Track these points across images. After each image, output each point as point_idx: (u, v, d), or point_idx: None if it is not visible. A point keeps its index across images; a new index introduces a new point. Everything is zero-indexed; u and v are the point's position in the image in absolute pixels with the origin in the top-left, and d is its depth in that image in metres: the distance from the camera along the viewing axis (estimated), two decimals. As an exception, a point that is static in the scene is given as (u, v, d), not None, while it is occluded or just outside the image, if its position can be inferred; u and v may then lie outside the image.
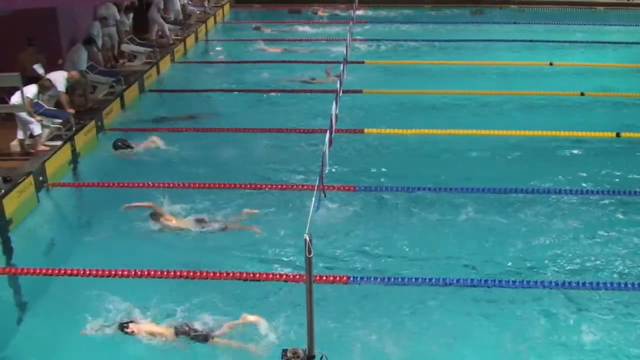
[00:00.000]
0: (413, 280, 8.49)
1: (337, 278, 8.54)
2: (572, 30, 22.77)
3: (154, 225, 9.67)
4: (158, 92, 16.68)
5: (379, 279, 8.53)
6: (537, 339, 7.53)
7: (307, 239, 5.58)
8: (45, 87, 12.11)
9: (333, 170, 11.00)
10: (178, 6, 21.25)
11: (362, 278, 8.55)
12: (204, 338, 7.46)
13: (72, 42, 14.81)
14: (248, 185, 11.00)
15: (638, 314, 7.92)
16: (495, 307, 8.10)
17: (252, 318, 7.59)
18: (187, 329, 7.51)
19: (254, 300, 8.17)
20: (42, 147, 11.68)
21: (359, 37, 20.61)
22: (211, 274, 8.59)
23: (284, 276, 8.56)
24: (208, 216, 9.90)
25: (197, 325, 7.56)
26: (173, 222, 9.70)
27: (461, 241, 9.46)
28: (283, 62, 18.62)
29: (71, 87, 13.15)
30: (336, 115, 11.41)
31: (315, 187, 8.08)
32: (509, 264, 8.91)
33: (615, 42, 20.86)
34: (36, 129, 11.49)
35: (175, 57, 19.12)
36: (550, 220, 9.96)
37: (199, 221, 9.74)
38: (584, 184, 11.00)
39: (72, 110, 12.72)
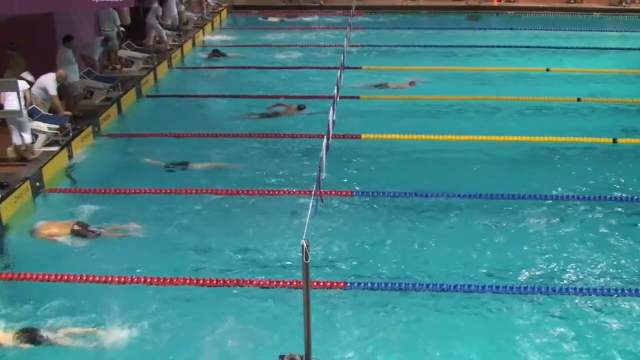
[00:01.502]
0: (410, 285, 8.48)
1: (335, 284, 8.53)
2: (568, 36, 22.81)
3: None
4: (155, 97, 16.69)
5: (376, 285, 8.52)
6: (531, 345, 7.51)
7: (305, 244, 5.57)
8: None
9: (330, 175, 10.98)
10: (175, 12, 21.26)
11: (359, 284, 8.55)
12: None
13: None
14: (245, 191, 11.00)
15: (631, 318, 7.92)
16: (493, 313, 8.08)
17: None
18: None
19: (251, 305, 8.17)
20: (36, 154, 11.67)
21: (355, 43, 20.62)
22: (208, 281, 8.57)
23: (282, 282, 8.55)
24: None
25: None
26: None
27: (458, 247, 9.45)
28: (281, 67, 18.65)
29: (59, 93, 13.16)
30: (333, 121, 11.41)
31: (312, 193, 8.07)
32: (507, 269, 8.90)
33: (611, 48, 20.94)
34: (27, 136, 11.47)
35: (173, 63, 19.13)
36: (546, 226, 9.96)
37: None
38: (580, 190, 10.99)
39: (68, 113, 12.72)
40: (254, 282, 8.56)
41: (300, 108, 14.87)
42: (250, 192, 11.01)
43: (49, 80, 12.50)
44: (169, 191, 10.98)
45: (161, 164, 12.08)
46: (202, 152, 12.67)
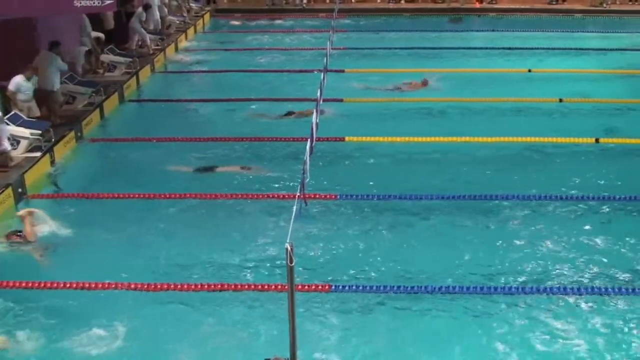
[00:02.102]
0: (395, 287, 8.49)
1: (320, 287, 8.52)
2: (550, 37, 22.94)
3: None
4: (138, 102, 16.63)
5: (361, 287, 8.52)
6: (517, 346, 7.54)
7: (289, 248, 5.57)
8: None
9: (314, 179, 10.99)
10: (158, 16, 21.18)
11: (344, 286, 8.54)
12: None
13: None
14: (229, 195, 10.97)
15: (617, 318, 7.97)
16: (479, 314, 8.11)
17: None
18: None
19: (237, 310, 8.15)
20: (16, 160, 11.59)
21: (339, 46, 20.64)
22: (193, 286, 8.53)
23: (266, 286, 8.53)
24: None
25: None
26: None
27: (443, 248, 9.48)
28: (264, 71, 18.64)
29: (39, 99, 13.07)
30: (317, 124, 11.43)
31: (297, 196, 8.08)
32: (492, 270, 8.93)
33: (592, 49, 21.06)
34: (5, 144, 11.37)
35: (156, 67, 19.06)
36: (529, 226, 10.02)
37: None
38: (563, 190, 11.04)
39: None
40: (238, 286, 8.53)
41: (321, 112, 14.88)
42: (234, 195, 10.98)
43: (22, 83, 12.46)
44: (152, 195, 10.93)
45: (190, 169, 12.06)
46: (185, 156, 12.63)
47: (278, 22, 26.32)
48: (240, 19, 26.30)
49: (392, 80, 17.40)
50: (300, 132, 12.61)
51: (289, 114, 14.81)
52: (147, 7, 19.86)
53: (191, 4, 25.52)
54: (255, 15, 27.23)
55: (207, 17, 26.09)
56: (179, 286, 8.52)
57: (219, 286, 8.52)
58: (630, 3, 28.64)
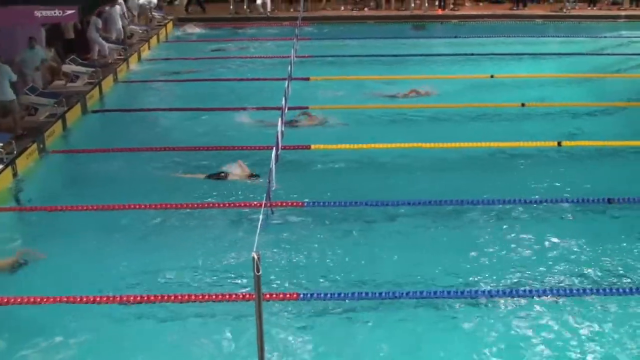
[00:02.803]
0: (363, 294, 8.50)
1: (287, 295, 8.50)
2: (511, 42, 23.22)
3: None
4: (101, 112, 16.48)
5: (329, 295, 8.51)
6: (487, 348, 7.60)
7: (256, 257, 5.57)
8: None
9: (280, 187, 10.97)
10: (120, 25, 21.03)
11: (312, 294, 8.53)
12: None
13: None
14: (195, 205, 10.91)
15: (586, 318, 8.07)
16: (446, 318, 8.15)
17: None
18: None
19: (202, 320, 8.09)
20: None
21: (303, 54, 20.68)
22: (160, 297, 8.45)
23: (234, 296, 8.48)
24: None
25: None
26: None
27: (409, 254, 9.51)
28: (228, 79, 18.59)
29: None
30: (282, 132, 11.43)
31: (263, 205, 8.07)
32: (458, 274, 8.98)
33: (553, 53, 21.39)
34: None
35: (119, 77, 18.91)
36: (494, 230, 10.11)
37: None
38: (527, 194, 11.15)
39: None
40: (205, 297, 8.47)
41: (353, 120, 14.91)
42: (199, 205, 10.91)
43: None
44: (115, 207, 10.81)
45: (201, 176, 11.95)
46: (149, 166, 12.52)
47: (242, 30, 26.30)
48: (198, 27, 26.22)
49: (358, 87, 17.49)
50: (266, 140, 12.56)
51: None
52: (100, 14, 19.67)
53: (154, 13, 25.39)
54: (219, 24, 27.17)
55: (169, 26, 25.97)
56: (145, 298, 8.43)
57: (186, 297, 8.44)
58: (589, 8, 29.15)
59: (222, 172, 11.90)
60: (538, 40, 23.77)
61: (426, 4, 28.51)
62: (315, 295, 8.52)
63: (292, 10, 28.46)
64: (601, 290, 8.51)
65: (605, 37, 24.48)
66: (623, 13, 28.58)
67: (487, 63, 20.10)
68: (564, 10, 28.44)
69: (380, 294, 8.51)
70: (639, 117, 15.60)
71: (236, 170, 11.92)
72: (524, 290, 8.53)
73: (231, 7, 28.24)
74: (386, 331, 7.93)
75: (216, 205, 10.89)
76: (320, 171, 12.32)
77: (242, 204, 10.83)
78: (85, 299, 8.39)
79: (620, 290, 8.53)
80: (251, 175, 11.80)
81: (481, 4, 29.98)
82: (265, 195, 9.06)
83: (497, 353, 7.50)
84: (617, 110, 15.96)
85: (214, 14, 28.42)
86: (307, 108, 15.53)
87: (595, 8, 29.19)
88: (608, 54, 21.81)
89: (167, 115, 15.88)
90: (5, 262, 9.27)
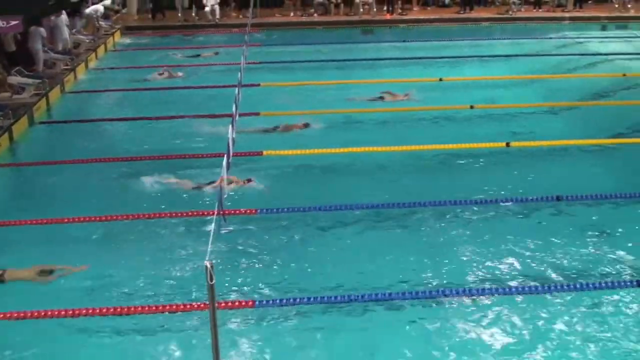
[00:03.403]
0: (319, 299, 8.49)
1: (243, 303, 8.44)
2: (459, 45, 23.57)
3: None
4: (49, 123, 16.20)
5: (284, 301, 8.49)
6: (447, 348, 7.65)
7: (208, 266, 5.52)
8: None
9: (232, 194, 10.91)
10: (66, 35, 20.74)
11: (268, 301, 8.49)
12: None
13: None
14: (146, 215, 10.76)
15: (535, 316, 8.18)
16: (405, 319, 8.17)
17: None
18: None
19: (156, 331, 7.99)
20: None
21: (253, 60, 20.65)
22: (112, 310, 8.32)
23: (188, 306, 8.39)
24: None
25: None
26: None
27: (364, 257, 9.53)
28: (178, 88, 18.46)
29: None
30: (233, 139, 11.37)
31: (215, 213, 8.00)
32: (416, 276, 9.02)
33: (501, 55, 21.75)
34: None
35: (66, 88, 18.62)
36: (447, 232, 10.20)
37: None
38: (478, 194, 11.28)
39: None
40: (159, 308, 8.35)
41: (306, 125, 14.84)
42: (150, 215, 10.76)
43: None
44: (65, 220, 10.59)
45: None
46: (99, 177, 12.35)
47: (191, 38, 26.16)
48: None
49: (308, 92, 17.53)
50: (217, 147, 12.49)
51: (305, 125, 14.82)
52: (43, 24, 19.32)
53: (100, 22, 25.09)
54: (168, 32, 27.00)
55: (117, 35, 25.69)
56: (96, 311, 8.29)
57: (139, 309, 8.32)
58: (535, 10, 29.75)
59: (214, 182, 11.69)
60: (485, 42, 24.18)
61: (374, 9, 28.77)
62: (271, 302, 8.47)
63: (241, 16, 28.43)
64: (553, 287, 8.65)
65: (550, 38, 25.03)
66: (567, 15, 29.27)
67: (435, 66, 20.34)
68: (510, 12, 29.00)
69: (336, 297, 8.51)
70: (585, 116, 15.96)
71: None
72: (477, 290, 8.61)
73: (179, 14, 28.09)
74: (343, 335, 7.93)
75: (167, 215, 10.75)
76: (272, 177, 12.26)
77: (194, 213, 10.72)
78: (35, 314, 8.20)
79: (571, 286, 8.68)
80: (248, 181, 11.71)
81: (429, 8, 30.37)
82: (217, 203, 8.97)
83: (454, 353, 7.55)
84: (563, 110, 16.29)
85: (161, 21, 28.24)
86: (257, 114, 15.50)
87: (540, 10, 29.85)
88: (554, 55, 22.29)
89: (116, 125, 15.68)
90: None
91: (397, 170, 12.53)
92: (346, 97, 17.13)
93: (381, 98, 16.89)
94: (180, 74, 19.96)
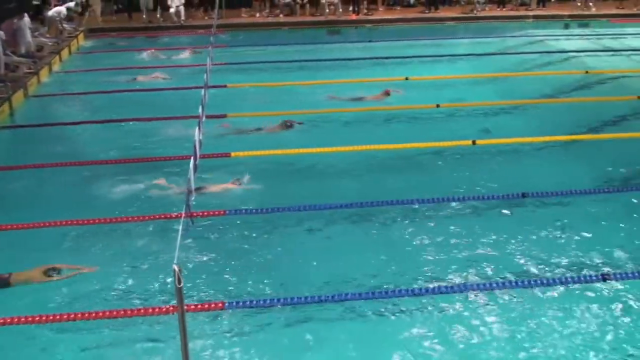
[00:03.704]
0: (289, 300, 8.48)
1: (212, 305, 8.41)
2: (425, 45, 23.72)
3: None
4: (12, 128, 15.98)
5: (255, 302, 8.47)
6: (412, 347, 7.70)
7: (176, 269, 5.49)
8: None
9: (200, 196, 10.87)
10: (29, 38, 20.46)
11: (238, 303, 8.47)
12: None
13: None
14: (112, 219, 10.66)
15: (504, 312, 8.27)
16: (373, 319, 8.21)
17: None
18: None
19: (124, 336, 7.93)
20: None
21: (219, 62, 20.59)
22: (80, 315, 8.23)
23: (157, 309, 8.33)
24: None
25: None
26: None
27: (331, 257, 9.57)
28: (144, 90, 18.31)
29: None
30: (200, 141, 11.31)
31: (182, 215, 7.96)
32: (382, 276, 9.06)
33: (466, 54, 21.95)
34: None
35: (29, 91, 18.38)
36: (414, 231, 10.25)
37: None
38: (443, 192, 11.36)
39: None
40: (128, 312, 8.29)
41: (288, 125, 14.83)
42: (117, 219, 10.65)
43: None
44: (29, 226, 10.43)
45: (175, 189, 11.55)
46: (64, 181, 12.23)
47: (156, 39, 25.98)
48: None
49: (276, 92, 17.51)
50: (185, 150, 12.42)
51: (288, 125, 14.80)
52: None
53: (64, 25, 24.81)
54: (132, 34, 26.78)
55: (81, 37, 25.43)
56: (64, 316, 8.19)
57: (107, 313, 8.24)
58: (499, 9, 30.07)
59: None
60: (450, 42, 24.39)
61: (340, 9, 28.83)
62: (241, 303, 8.45)
63: (206, 17, 28.31)
64: (520, 283, 8.75)
65: (514, 36, 25.31)
66: (531, 13, 29.66)
67: (401, 66, 20.45)
68: (474, 12, 29.28)
69: (306, 298, 8.51)
70: (550, 113, 16.17)
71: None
72: (446, 287, 8.68)
73: (144, 16, 27.89)
74: (312, 336, 7.93)
75: (134, 218, 10.66)
76: (241, 178, 12.22)
77: (161, 216, 10.65)
78: (1, 321, 8.10)
79: (539, 281, 8.78)
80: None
81: (399, 7, 30.52)
82: (184, 205, 8.92)
83: (422, 351, 7.61)
84: (528, 108, 16.50)
85: (126, 23, 28.02)
86: (224, 116, 15.45)
87: (504, 9, 30.14)
88: (518, 53, 22.53)
89: (81, 129, 15.50)
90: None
91: (364, 170, 12.57)
92: (314, 97, 17.15)
93: (360, 99, 16.93)
94: (162, 75, 19.78)
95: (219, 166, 12.64)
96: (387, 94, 16.98)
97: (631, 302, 8.38)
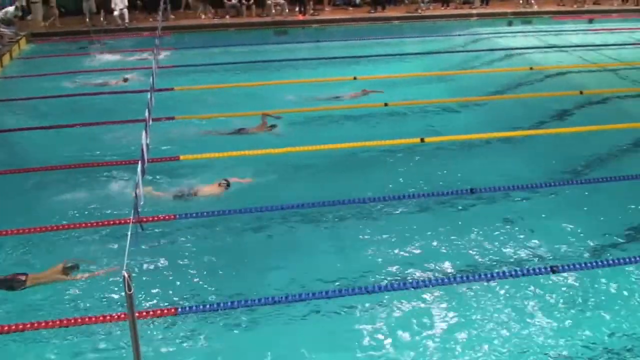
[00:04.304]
0: (243, 302, 8.44)
1: (165, 311, 8.32)
2: (372, 44, 23.85)
3: None
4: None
5: (208, 306, 8.41)
6: (372, 344, 7.73)
7: (126, 275, 5.42)
8: None
9: (149, 201, 10.72)
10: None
11: (191, 307, 8.39)
12: None
13: None
14: (59, 227, 10.45)
15: (450, 307, 8.36)
16: (327, 318, 8.26)
17: None
18: None
19: (74, 346, 7.79)
20: None
21: (165, 64, 20.38)
22: (28, 325, 8.06)
23: (108, 317, 8.20)
24: None
25: None
26: None
27: (280, 258, 9.57)
28: (89, 94, 18.01)
29: None
30: (147, 145, 11.16)
31: (131, 221, 7.84)
32: (333, 276, 9.09)
33: (412, 53, 22.12)
34: None
35: (-31, 98, 17.93)
36: (364, 228, 10.33)
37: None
38: (394, 190, 11.46)
39: None
40: (78, 320, 8.14)
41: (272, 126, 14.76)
42: (64, 227, 10.45)
43: None
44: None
45: (169, 195, 11.35)
46: (5, 190, 11.93)
47: (100, 43, 25.57)
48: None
49: (221, 95, 17.40)
50: (133, 154, 12.25)
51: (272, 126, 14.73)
52: None
53: (3, 30, 24.23)
54: (76, 38, 26.32)
55: (23, 42, 24.90)
56: (12, 327, 8.01)
57: (57, 322, 8.09)
58: (443, 8, 30.38)
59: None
60: (397, 41, 24.56)
61: (286, 10, 28.78)
62: (194, 308, 8.38)
63: (151, 20, 27.98)
64: (471, 277, 8.87)
65: (459, 35, 25.60)
66: (474, 11, 30.04)
67: (349, 65, 20.52)
68: (419, 11, 29.51)
69: (260, 300, 8.48)
70: (496, 109, 16.41)
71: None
72: (398, 284, 8.76)
73: (87, 19, 27.40)
74: (266, 337, 7.94)
75: (82, 225, 10.46)
76: (190, 182, 12.09)
77: (110, 222, 10.47)
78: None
79: (488, 275, 8.91)
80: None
81: (350, 8, 30.57)
82: (132, 210, 8.79)
83: (377, 346, 7.66)
84: (475, 105, 16.71)
85: (69, 27, 27.51)
86: (172, 119, 15.29)
87: (448, 8, 30.47)
88: (464, 51, 22.82)
89: (26, 135, 15.14)
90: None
91: (314, 170, 12.57)
92: (263, 98, 17.09)
93: (337, 97, 16.99)
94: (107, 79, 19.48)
95: (167, 170, 12.50)
96: (365, 93, 17.06)
97: (580, 293, 8.57)
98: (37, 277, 8.94)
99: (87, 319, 8.17)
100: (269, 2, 28.72)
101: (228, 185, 11.60)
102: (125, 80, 18.98)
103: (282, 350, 7.67)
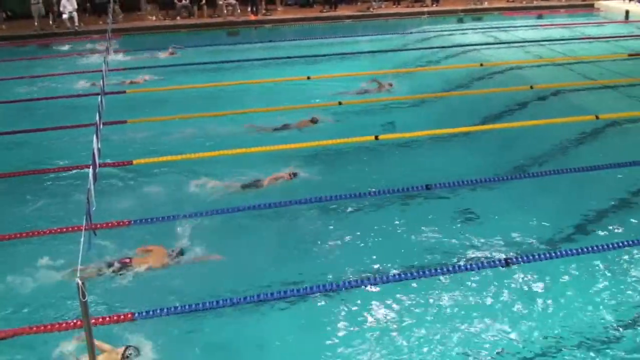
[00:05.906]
0: (201, 305, 8.39)
1: (122, 317, 8.22)
2: (325, 44, 23.91)
3: None
4: None
5: (166, 310, 8.34)
6: (340, 341, 7.77)
7: (80, 282, 5.36)
8: None
9: (103, 207, 10.58)
10: None
11: (147, 312, 8.31)
12: None
13: None
14: (12, 235, 10.24)
15: (409, 302, 8.44)
16: (290, 317, 8.30)
17: None
18: None
19: (31, 355, 7.66)
20: None
21: (116, 67, 20.14)
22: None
23: (63, 325, 8.07)
24: None
25: None
26: None
27: (241, 258, 9.57)
28: (38, 99, 17.71)
29: None
30: (98, 149, 11.01)
31: (83, 227, 7.73)
32: (296, 274, 9.10)
33: (365, 52, 22.23)
34: None
35: None
36: (323, 227, 10.38)
37: None
38: (350, 188, 11.48)
39: None
40: (33, 329, 8.00)
41: (313, 121, 14.74)
42: (16, 235, 10.26)
43: None
44: None
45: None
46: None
47: (49, 47, 25.19)
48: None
49: (174, 97, 17.27)
50: (84, 159, 12.07)
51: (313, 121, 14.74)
52: None
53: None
54: (24, 42, 25.89)
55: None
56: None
57: (11, 332, 7.94)
58: (394, 6, 30.62)
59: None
60: (350, 40, 24.67)
61: (238, 10, 28.71)
62: (151, 312, 8.30)
63: (101, 22, 27.65)
64: (427, 272, 8.95)
65: (411, 33, 25.84)
66: (426, 9, 30.33)
67: (303, 65, 20.53)
68: (371, 9, 29.69)
69: (218, 302, 8.44)
70: (448, 106, 16.58)
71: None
72: (355, 281, 8.80)
73: (36, 23, 26.97)
74: (226, 338, 7.92)
75: (32, 234, 10.27)
76: (144, 186, 11.97)
77: (61, 229, 10.29)
78: None
79: (445, 269, 9.01)
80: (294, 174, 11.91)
81: (305, 7, 30.59)
82: (85, 217, 8.66)
83: (346, 346, 7.71)
84: (428, 101, 16.87)
85: (17, 31, 27.05)
86: (125, 122, 15.11)
87: (399, 6, 30.72)
88: (416, 49, 23.00)
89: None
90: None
91: (270, 170, 12.50)
92: (217, 99, 17.00)
93: (366, 91, 17.07)
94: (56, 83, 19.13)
95: (121, 174, 12.36)
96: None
97: (533, 285, 8.71)
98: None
99: (42, 327, 8.03)
100: (220, 2, 28.59)
101: (294, 174, 11.88)
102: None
103: (243, 354, 7.63)
